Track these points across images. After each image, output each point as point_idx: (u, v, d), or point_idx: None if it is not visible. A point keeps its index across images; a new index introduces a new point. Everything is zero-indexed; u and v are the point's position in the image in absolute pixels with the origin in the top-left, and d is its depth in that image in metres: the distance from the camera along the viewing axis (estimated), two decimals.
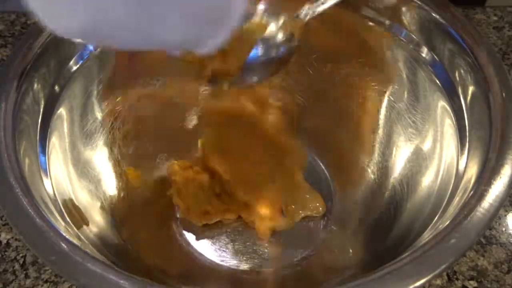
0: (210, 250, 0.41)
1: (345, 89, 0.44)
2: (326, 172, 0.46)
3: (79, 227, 0.31)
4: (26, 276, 0.38)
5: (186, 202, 0.41)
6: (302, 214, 0.43)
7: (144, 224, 0.41)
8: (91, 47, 0.38)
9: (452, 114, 0.35)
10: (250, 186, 0.41)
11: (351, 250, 0.39)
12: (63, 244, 0.25)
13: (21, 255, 0.39)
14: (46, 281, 0.38)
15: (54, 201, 0.31)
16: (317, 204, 0.43)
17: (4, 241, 0.40)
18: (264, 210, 0.40)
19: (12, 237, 0.40)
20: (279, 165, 0.41)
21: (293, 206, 0.42)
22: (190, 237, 0.42)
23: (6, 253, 0.39)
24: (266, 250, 0.41)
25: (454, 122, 0.35)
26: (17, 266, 0.38)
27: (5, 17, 0.57)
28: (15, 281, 0.38)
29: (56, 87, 0.36)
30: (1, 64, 0.52)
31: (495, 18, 0.56)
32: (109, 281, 0.24)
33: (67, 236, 0.26)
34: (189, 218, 0.42)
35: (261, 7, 0.30)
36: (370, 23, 0.41)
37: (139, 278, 0.24)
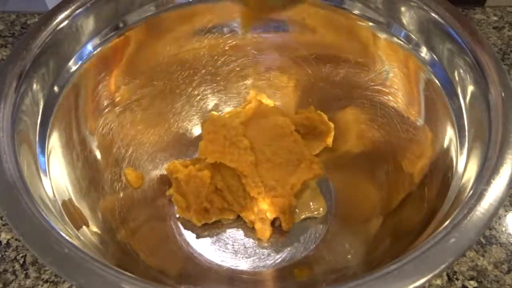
0: (210, 250, 0.41)
1: (344, 89, 0.44)
2: (326, 172, 0.46)
3: (78, 228, 0.31)
4: (26, 276, 0.38)
5: (186, 199, 0.41)
6: (304, 215, 0.43)
7: (143, 224, 0.41)
8: (92, 47, 0.38)
9: (451, 114, 0.35)
10: (264, 184, 0.41)
11: (351, 250, 0.39)
12: (62, 245, 0.25)
13: (21, 255, 0.39)
14: (46, 281, 0.38)
15: (54, 201, 0.31)
16: (319, 206, 0.43)
17: (4, 241, 0.40)
18: (268, 210, 0.40)
19: (12, 237, 0.40)
20: (295, 171, 0.41)
21: (297, 209, 0.42)
22: (189, 237, 0.42)
23: (6, 253, 0.39)
24: (265, 250, 0.41)
25: (454, 122, 0.35)
26: (17, 266, 0.38)
27: (5, 17, 0.57)
28: (15, 281, 0.38)
29: (55, 88, 0.36)
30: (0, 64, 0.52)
31: (495, 18, 0.56)
32: (107, 281, 0.24)
33: (66, 237, 0.26)
34: (189, 218, 0.42)
35: None
36: (369, 23, 0.41)
37: (137, 278, 0.24)
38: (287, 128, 0.43)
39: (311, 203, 0.43)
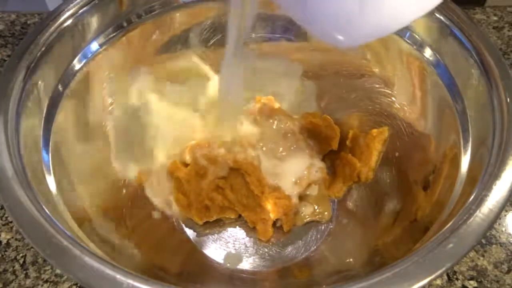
0: (211, 249, 0.41)
1: (349, 91, 0.44)
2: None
3: (80, 223, 0.31)
4: (26, 276, 0.38)
5: (187, 197, 0.41)
6: (308, 219, 0.42)
7: (145, 221, 0.41)
8: (97, 46, 0.39)
9: (456, 116, 0.35)
10: (268, 185, 0.41)
11: (352, 253, 0.39)
12: (61, 238, 0.25)
13: (21, 255, 0.39)
14: (46, 281, 0.38)
15: (56, 197, 0.31)
16: (323, 210, 0.43)
17: (4, 241, 0.40)
18: (271, 210, 0.40)
19: (12, 237, 0.40)
20: None
21: (301, 212, 0.42)
22: (191, 235, 0.42)
23: (6, 253, 0.39)
24: (266, 250, 0.41)
25: (458, 125, 0.34)
26: (17, 266, 0.38)
27: (5, 17, 0.57)
28: (15, 281, 0.38)
29: (60, 85, 0.36)
30: (1, 64, 0.52)
31: (495, 18, 0.56)
32: (105, 276, 0.24)
33: (66, 231, 0.26)
34: (190, 216, 0.42)
35: None
36: None
37: (135, 273, 0.24)
38: (291, 130, 0.43)
39: (316, 207, 0.43)
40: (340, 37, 0.21)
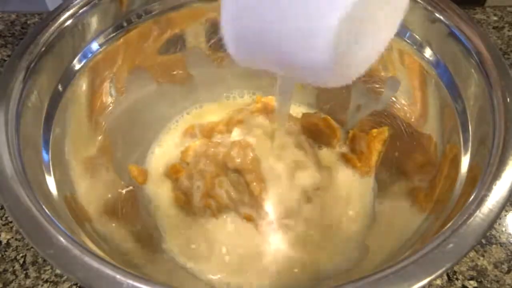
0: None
1: (349, 90, 0.44)
2: None
3: (80, 224, 0.31)
4: (26, 276, 0.38)
5: (187, 198, 0.42)
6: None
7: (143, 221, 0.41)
8: (97, 46, 0.38)
9: (456, 116, 0.35)
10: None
11: (352, 253, 0.39)
12: (61, 238, 0.25)
13: (21, 255, 0.39)
14: (46, 281, 0.38)
15: (56, 197, 0.31)
16: None
17: (4, 241, 0.40)
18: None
19: (12, 237, 0.40)
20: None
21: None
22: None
23: (6, 253, 0.39)
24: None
25: (458, 124, 0.34)
26: (17, 266, 0.38)
27: (5, 17, 0.57)
28: (15, 281, 0.38)
29: (60, 85, 0.36)
30: (1, 64, 0.52)
31: (495, 18, 0.56)
32: (105, 276, 0.24)
33: (66, 231, 0.26)
34: (190, 215, 0.42)
35: None
36: None
37: (135, 273, 0.24)
38: (292, 130, 0.43)
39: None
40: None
